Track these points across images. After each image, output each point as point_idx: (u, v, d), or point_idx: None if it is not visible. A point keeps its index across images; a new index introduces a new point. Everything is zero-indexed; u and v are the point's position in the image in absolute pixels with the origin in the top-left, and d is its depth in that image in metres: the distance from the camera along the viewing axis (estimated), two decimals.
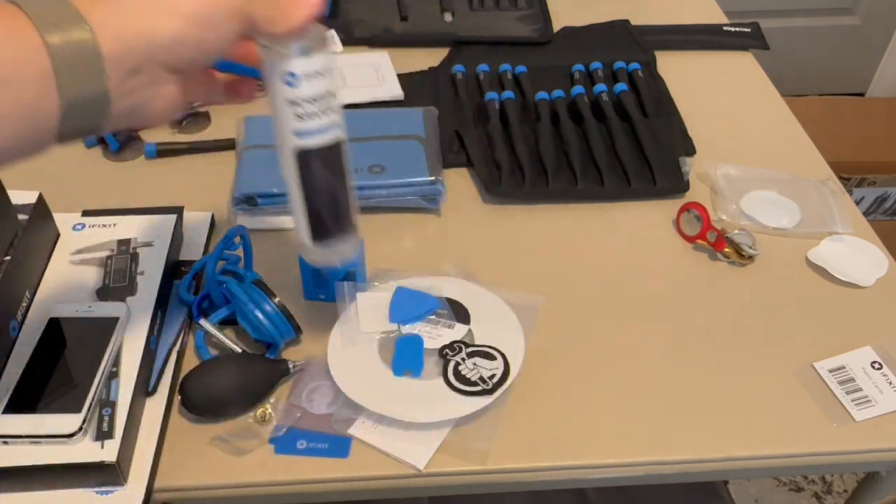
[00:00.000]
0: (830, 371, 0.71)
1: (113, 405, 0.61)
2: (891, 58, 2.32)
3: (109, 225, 0.77)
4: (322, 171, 0.56)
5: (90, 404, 0.60)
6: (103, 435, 0.59)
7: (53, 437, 0.58)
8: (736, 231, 0.82)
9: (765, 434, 0.67)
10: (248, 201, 0.84)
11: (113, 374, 0.63)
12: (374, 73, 1.06)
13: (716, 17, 1.22)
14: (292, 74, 0.52)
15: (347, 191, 0.59)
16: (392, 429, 0.65)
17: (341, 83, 1.03)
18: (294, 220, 0.60)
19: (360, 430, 0.65)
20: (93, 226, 0.77)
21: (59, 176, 0.90)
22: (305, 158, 0.55)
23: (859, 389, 0.69)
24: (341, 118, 0.56)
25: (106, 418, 0.60)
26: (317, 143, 0.55)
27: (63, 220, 0.78)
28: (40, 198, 0.74)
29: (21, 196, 0.73)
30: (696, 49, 1.14)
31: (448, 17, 1.17)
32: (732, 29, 1.17)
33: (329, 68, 0.53)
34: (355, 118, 0.93)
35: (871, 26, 2.27)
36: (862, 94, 2.38)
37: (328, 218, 0.59)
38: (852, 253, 0.82)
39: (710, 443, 0.66)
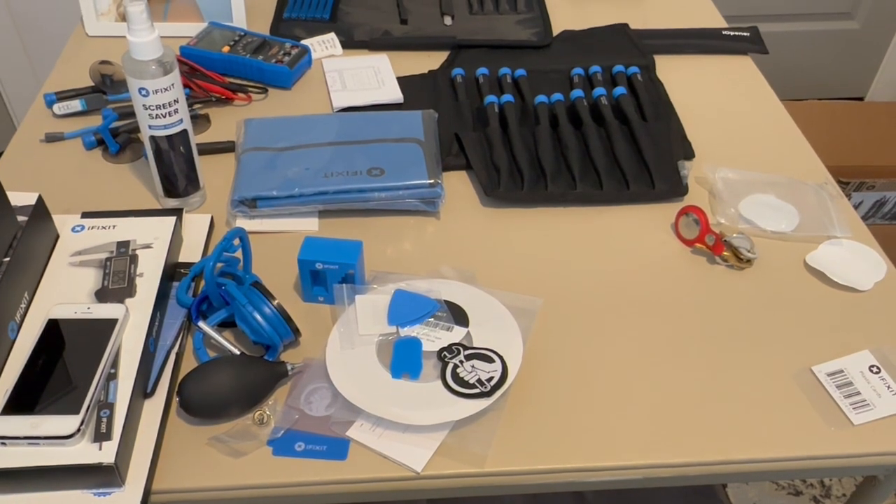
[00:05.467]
0: (829, 375, 0.71)
1: (111, 407, 0.61)
2: (890, 62, 2.32)
3: (109, 227, 0.77)
4: (167, 151, 0.80)
5: (88, 406, 0.60)
6: (101, 436, 0.59)
7: (51, 438, 0.58)
8: (734, 235, 0.82)
9: (763, 437, 0.67)
10: (247, 203, 0.84)
11: (111, 376, 0.64)
12: (374, 76, 1.06)
13: (715, 21, 1.22)
14: (143, 89, 0.76)
15: (187, 164, 0.83)
16: (390, 431, 0.65)
17: (341, 86, 1.04)
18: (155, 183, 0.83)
19: (358, 432, 0.65)
20: (92, 227, 0.77)
21: (58, 178, 0.90)
22: (156, 142, 0.80)
23: (858, 393, 0.70)
24: (185, 114, 0.79)
25: (104, 420, 0.60)
26: (163, 133, 0.79)
27: (62, 221, 0.78)
28: (39, 199, 0.74)
29: (20, 198, 0.73)
30: (695, 53, 1.14)
31: (448, 20, 1.17)
32: (731, 33, 1.17)
33: (173, 83, 0.76)
34: (355, 121, 0.94)
35: (871, 31, 2.27)
36: (861, 99, 2.38)
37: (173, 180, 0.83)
38: (851, 257, 0.82)
39: (709, 446, 0.66)
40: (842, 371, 0.71)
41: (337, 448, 0.64)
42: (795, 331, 0.76)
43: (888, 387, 0.70)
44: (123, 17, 1.13)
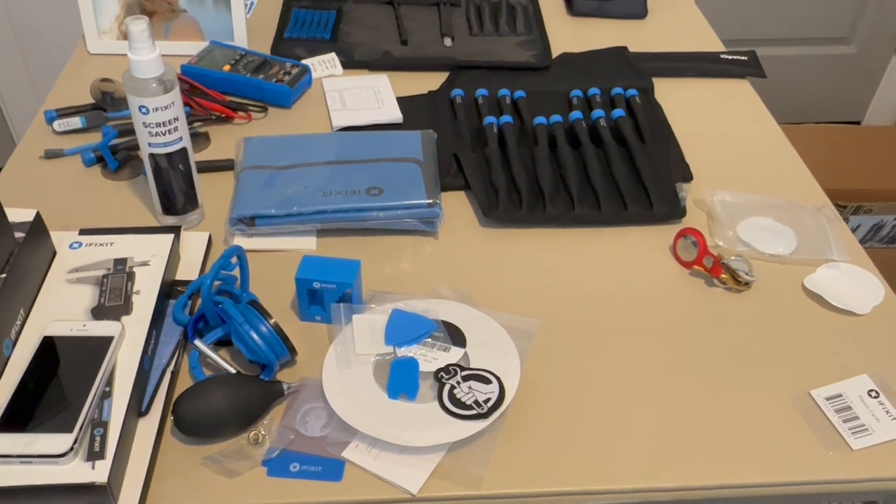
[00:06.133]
0: (827, 399, 0.71)
1: (105, 425, 0.61)
2: (886, 87, 2.34)
3: (106, 244, 0.77)
4: (165, 168, 0.81)
5: (82, 424, 0.60)
6: (95, 455, 0.59)
7: (44, 456, 0.58)
8: (732, 257, 0.82)
9: (761, 462, 0.66)
10: (245, 222, 0.84)
11: (106, 394, 0.63)
12: (374, 96, 1.06)
13: (713, 45, 1.23)
14: (143, 107, 0.76)
15: (185, 182, 0.83)
16: (386, 452, 0.65)
17: (340, 105, 1.04)
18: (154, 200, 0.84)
19: (353, 453, 0.65)
20: (90, 244, 0.77)
21: (57, 194, 0.90)
22: (155, 160, 0.80)
23: (856, 418, 0.69)
24: (185, 132, 0.80)
25: (98, 438, 0.60)
26: (163, 151, 0.79)
27: (60, 238, 0.77)
28: (37, 216, 0.74)
29: (18, 214, 0.73)
30: (693, 76, 1.15)
31: (448, 41, 1.18)
32: (729, 57, 1.18)
33: (174, 101, 0.77)
34: (354, 140, 0.94)
35: (867, 56, 2.29)
36: (858, 123, 2.40)
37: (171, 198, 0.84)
38: (849, 280, 0.82)
39: (706, 470, 0.65)
40: (840, 395, 0.71)
41: (332, 469, 0.64)
42: (794, 354, 0.75)
43: (887, 412, 0.70)
44: (125, 36, 1.13)
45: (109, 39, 1.13)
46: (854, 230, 1.70)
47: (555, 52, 1.18)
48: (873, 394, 0.71)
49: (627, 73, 1.13)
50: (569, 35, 1.23)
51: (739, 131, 1.05)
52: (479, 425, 0.65)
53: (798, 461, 0.66)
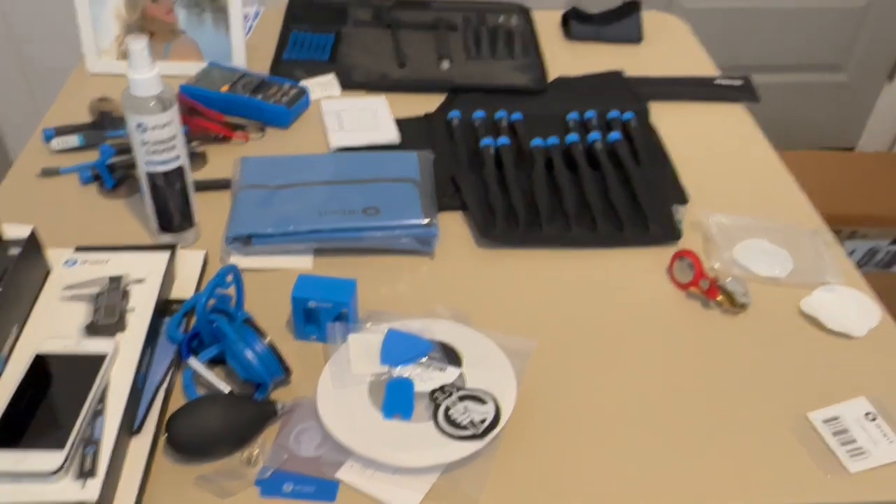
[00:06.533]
0: (824, 421, 0.70)
1: (97, 443, 0.60)
2: (879, 113, 2.36)
3: (102, 261, 0.77)
4: (163, 186, 0.81)
5: (73, 441, 0.59)
6: (86, 473, 0.58)
7: (34, 474, 0.57)
8: (728, 279, 0.82)
9: (758, 484, 0.66)
10: (242, 240, 0.84)
11: (98, 412, 0.62)
12: (372, 117, 1.07)
13: (708, 70, 1.24)
14: (142, 125, 0.76)
15: (182, 200, 0.83)
16: (380, 473, 0.64)
17: (338, 126, 1.04)
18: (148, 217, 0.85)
19: (347, 473, 0.64)
20: (85, 262, 0.77)
21: (53, 212, 0.90)
22: (152, 178, 0.80)
23: (854, 440, 0.69)
24: (182, 150, 0.80)
25: (89, 456, 0.59)
26: (160, 170, 0.79)
27: (56, 255, 0.77)
28: (33, 232, 0.74)
29: (14, 230, 0.73)
30: (688, 100, 1.16)
31: (445, 64, 1.19)
32: (724, 82, 1.19)
33: (172, 119, 0.77)
34: (351, 160, 0.95)
35: (859, 83, 2.31)
36: (852, 149, 2.42)
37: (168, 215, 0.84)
38: (844, 303, 0.82)
39: (702, 492, 0.65)
40: (837, 418, 0.71)
41: (326, 489, 0.63)
42: (790, 376, 0.75)
43: (884, 434, 0.69)
44: (125, 56, 1.14)
45: (109, 59, 1.14)
46: (849, 255, 1.71)
47: (551, 76, 1.19)
48: (870, 416, 0.71)
49: (623, 96, 1.14)
50: (565, 59, 1.24)
51: (734, 155, 1.05)
52: (475, 446, 0.65)
53: (795, 484, 0.66)
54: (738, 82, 1.19)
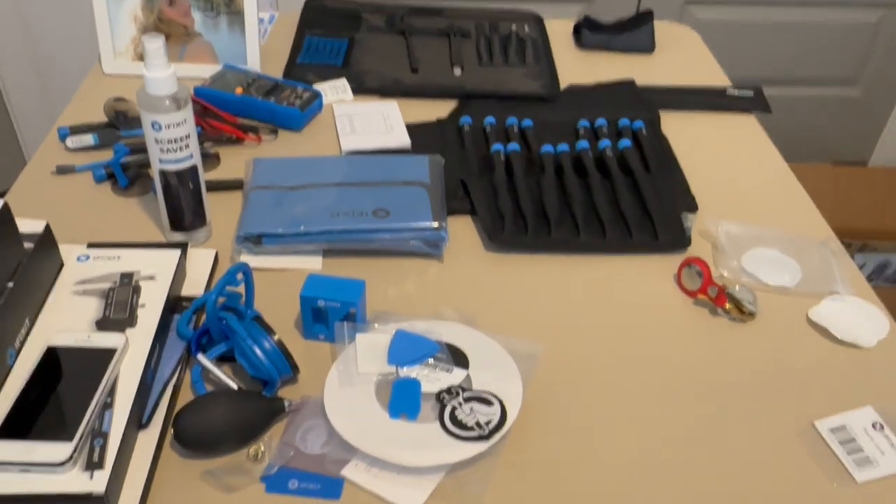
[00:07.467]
0: (832, 430, 0.70)
1: (105, 436, 0.61)
2: (892, 128, 2.35)
3: (113, 257, 0.78)
4: (175, 185, 0.82)
5: (82, 434, 0.59)
6: (93, 465, 0.59)
7: (43, 465, 0.58)
8: (737, 287, 0.82)
9: (764, 493, 0.65)
10: (252, 240, 0.84)
11: (107, 405, 0.63)
12: (383, 122, 1.07)
13: (719, 80, 1.25)
14: (156, 123, 0.77)
15: (194, 199, 0.83)
16: (385, 472, 0.64)
17: (350, 130, 1.05)
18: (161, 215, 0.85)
19: (353, 471, 0.64)
20: (97, 258, 0.78)
21: (67, 209, 0.91)
22: (165, 176, 0.81)
23: (861, 450, 0.69)
24: (196, 149, 0.81)
25: (97, 449, 0.60)
26: (173, 168, 0.80)
27: (68, 250, 0.78)
28: (47, 227, 0.74)
29: (29, 225, 0.74)
30: (699, 110, 1.16)
31: (457, 70, 1.20)
32: (736, 92, 1.19)
33: (186, 119, 0.77)
34: (362, 163, 0.95)
35: (873, 98, 2.31)
36: (864, 164, 2.41)
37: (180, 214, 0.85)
38: (853, 313, 0.82)
39: (709, 499, 0.65)
40: (844, 427, 0.70)
41: (331, 487, 0.63)
42: (798, 385, 0.75)
43: (892, 444, 0.69)
44: (140, 57, 1.15)
45: (125, 60, 1.15)
46: (859, 268, 1.70)
47: (563, 84, 1.19)
48: (878, 426, 0.70)
49: (634, 105, 1.14)
50: (577, 68, 1.24)
51: (745, 164, 1.05)
52: (480, 447, 0.65)
53: (802, 493, 0.66)
54: (749, 93, 1.19)
